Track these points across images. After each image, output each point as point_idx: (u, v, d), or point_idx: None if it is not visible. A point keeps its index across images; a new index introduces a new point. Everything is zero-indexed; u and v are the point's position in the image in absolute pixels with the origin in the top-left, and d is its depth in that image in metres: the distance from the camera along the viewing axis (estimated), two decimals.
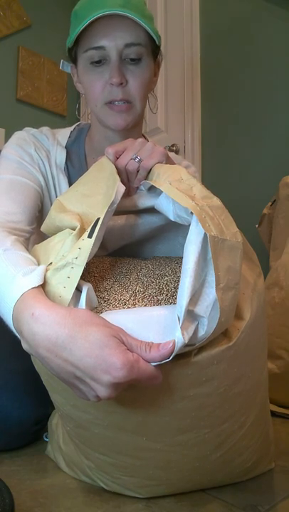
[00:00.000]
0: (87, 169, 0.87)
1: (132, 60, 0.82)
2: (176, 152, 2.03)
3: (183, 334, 0.47)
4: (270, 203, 1.43)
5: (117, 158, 0.67)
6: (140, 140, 0.67)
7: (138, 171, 0.66)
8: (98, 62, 0.83)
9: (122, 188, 0.60)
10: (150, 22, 0.82)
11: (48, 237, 0.65)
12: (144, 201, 0.66)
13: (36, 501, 0.65)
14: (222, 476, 0.67)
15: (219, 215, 0.54)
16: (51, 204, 0.87)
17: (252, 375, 0.60)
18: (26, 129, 0.93)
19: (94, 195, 0.63)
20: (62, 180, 0.90)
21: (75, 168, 0.93)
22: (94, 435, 0.60)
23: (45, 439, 0.87)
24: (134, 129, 0.91)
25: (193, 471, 0.63)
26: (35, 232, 0.86)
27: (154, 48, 0.87)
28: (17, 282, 0.55)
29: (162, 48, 2.17)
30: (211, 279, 0.49)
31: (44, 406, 0.87)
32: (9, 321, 0.56)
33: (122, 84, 0.82)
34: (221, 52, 1.92)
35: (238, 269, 0.52)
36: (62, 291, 0.54)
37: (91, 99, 0.86)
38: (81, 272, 0.54)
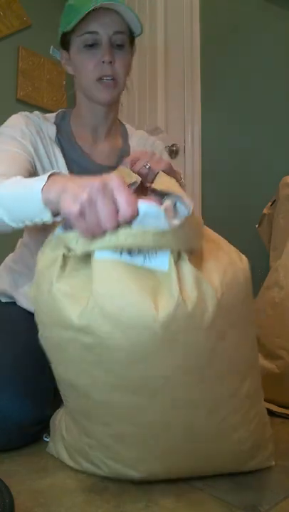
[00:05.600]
0: (75, 142, 1.08)
1: (118, 46, 1.00)
2: (176, 152, 2.03)
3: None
4: (270, 203, 1.43)
5: (133, 165, 0.84)
6: (150, 151, 0.88)
7: (148, 175, 0.83)
8: (91, 46, 0.99)
9: (139, 179, 0.78)
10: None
11: (46, 237, 0.70)
12: None
13: (36, 501, 0.65)
14: (219, 458, 0.68)
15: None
16: (43, 170, 1.01)
17: (238, 336, 0.65)
18: (20, 112, 1.07)
19: None
20: (56, 150, 1.05)
21: (64, 139, 1.08)
22: (95, 403, 0.64)
23: (45, 439, 0.87)
24: (114, 105, 1.10)
25: (190, 441, 0.65)
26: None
27: (131, 38, 1.05)
28: (38, 179, 0.70)
29: (162, 48, 2.17)
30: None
31: (44, 407, 0.87)
32: (37, 200, 0.68)
33: (111, 62, 0.99)
34: (221, 53, 1.92)
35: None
36: None
37: (84, 75, 1.02)
38: None
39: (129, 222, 0.58)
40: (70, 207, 0.60)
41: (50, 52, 1.10)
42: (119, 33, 0.99)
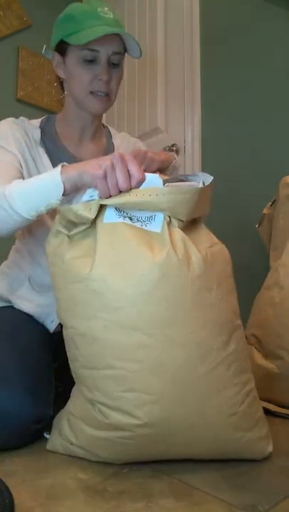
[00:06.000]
0: (60, 142, 1.13)
1: (114, 64, 1.06)
2: (176, 152, 2.02)
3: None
4: (270, 203, 1.43)
5: None
6: (142, 152, 0.90)
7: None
8: (90, 61, 1.03)
9: None
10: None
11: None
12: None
13: (36, 501, 0.65)
14: (214, 417, 0.73)
15: None
16: (28, 173, 1.05)
17: (220, 297, 0.76)
18: (6, 119, 1.12)
19: None
20: (42, 151, 1.09)
21: (49, 141, 1.13)
22: (101, 343, 0.73)
23: (46, 436, 0.87)
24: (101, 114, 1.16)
25: (186, 389, 0.72)
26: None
27: (124, 56, 1.11)
28: (51, 170, 0.85)
29: (162, 48, 2.17)
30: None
31: (45, 406, 0.88)
32: (57, 181, 0.82)
33: (107, 81, 1.04)
34: (221, 53, 1.92)
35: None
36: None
37: (78, 86, 1.06)
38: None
39: (137, 186, 0.78)
40: (97, 171, 0.78)
41: (43, 52, 1.12)
42: (117, 53, 1.04)
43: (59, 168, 0.84)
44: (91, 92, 1.05)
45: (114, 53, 1.04)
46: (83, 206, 0.78)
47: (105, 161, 0.79)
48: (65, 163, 0.85)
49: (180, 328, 0.72)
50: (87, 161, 0.83)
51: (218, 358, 0.74)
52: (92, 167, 0.80)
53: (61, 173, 0.82)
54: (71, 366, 0.82)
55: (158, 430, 0.72)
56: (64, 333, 0.83)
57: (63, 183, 0.82)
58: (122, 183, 0.77)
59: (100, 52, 1.02)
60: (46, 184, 0.84)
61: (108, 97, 1.07)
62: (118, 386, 0.73)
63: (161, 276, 0.71)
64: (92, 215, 0.78)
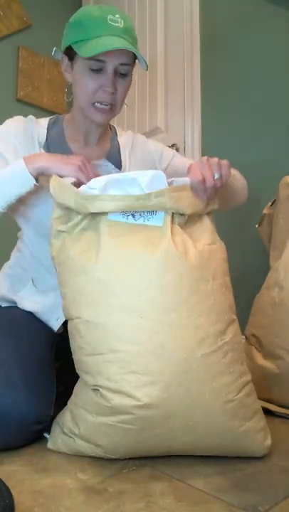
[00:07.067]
0: (66, 143, 1.14)
1: (122, 74, 1.04)
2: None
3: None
4: (270, 203, 1.43)
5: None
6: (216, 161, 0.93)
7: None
8: (96, 71, 1.02)
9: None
10: (137, 45, 1.05)
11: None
12: None
13: (36, 501, 0.65)
14: (209, 396, 0.75)
15: None
16: None
17: (216, 290, 0.81)
18: (13, 118, 1.13)
19: None
20: None
21: (55, 143, 1.13)
22: (104, 327, 0.77)
23: (46, 436, 0.87)
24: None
25: (181, 367, 0.75)
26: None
27: (132, 67, 1.09)
28: (14, 163, 0.95)
29: (162, 48, 2.16)
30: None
31: (46, 406, 0.88)
32: (23, 171, 0.91)
33: (113, 93, 1.03)
34: (221, 53, 1.92)
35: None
36: None
37: (83, 95, 1.05)
38: None
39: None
40: (68, 166, 0.90)
41: (53, 54, 1.11)
42: (125, 64, 1.02)
43: (21, 160, 0.92)
44: (94, 103, 1.04)
45: (122, 64, 1.01)
46: (88, 197, 0.82)
47: (76, 157, 0.93)
48: (24, 156, 0.94)
49: (178, 312, 0.77)
50: (52, 155, 0.95)
51: (214, 345, 0.77)
52: (63, 163, 0.92)
53: (26, 164, 0.91)
54: (75, 357, 0.84)
55: (157, 412, 0.74)
56: (69, 327, 0.84)
57: (30, 173, 0.90)
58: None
59: (106, 63, 1.00)
60: (13, 176, 0.92)
61: (112, 108, 1.06)
62: (120, 369, 0.75)
63: (160, 265, 0.77)
64: (92, 209, 0.81)
